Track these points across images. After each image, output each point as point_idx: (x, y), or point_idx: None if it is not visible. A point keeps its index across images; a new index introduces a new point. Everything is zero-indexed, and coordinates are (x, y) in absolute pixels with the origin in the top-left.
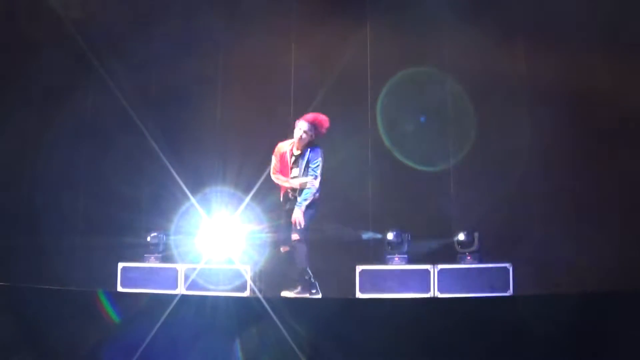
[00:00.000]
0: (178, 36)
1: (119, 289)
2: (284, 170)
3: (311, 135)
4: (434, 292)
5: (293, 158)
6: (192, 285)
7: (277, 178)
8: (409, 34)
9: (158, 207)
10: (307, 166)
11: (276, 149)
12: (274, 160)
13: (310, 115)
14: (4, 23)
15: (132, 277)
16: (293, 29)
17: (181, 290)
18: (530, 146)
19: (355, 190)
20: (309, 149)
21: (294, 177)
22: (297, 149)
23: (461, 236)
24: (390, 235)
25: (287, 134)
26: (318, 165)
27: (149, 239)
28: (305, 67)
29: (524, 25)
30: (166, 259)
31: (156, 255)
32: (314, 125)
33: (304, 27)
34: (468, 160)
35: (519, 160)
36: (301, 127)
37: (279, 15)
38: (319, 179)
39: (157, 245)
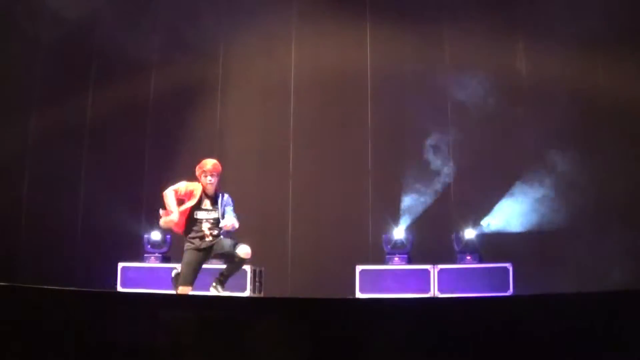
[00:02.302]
0: (178, 36)
1: (119, 289)
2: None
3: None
4: (434, 292)
5: (207, 200)
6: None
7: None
8: (409, 33)
9: (158, 206)
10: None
11: (185, 188)
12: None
13: (211, 166)
14: (4, 23)
15: (132, 277)
16: (293, 29)
17: None
18: (530, 145)
19: (355, 190)
20: (221, 193)
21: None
22: (209, 193)
23: (470, 233)
24: (399, 234)
25: (287, 133)
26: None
27: (149, 238)
28: (305, 67)
29: (525, 25)
30: (166, 258)
31: (156, 255)
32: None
33: (304, 27)
34: (468, 160)
35: (520, 160)
36: (213, 179)
37: (279, 15)
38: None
39: (157, 244)
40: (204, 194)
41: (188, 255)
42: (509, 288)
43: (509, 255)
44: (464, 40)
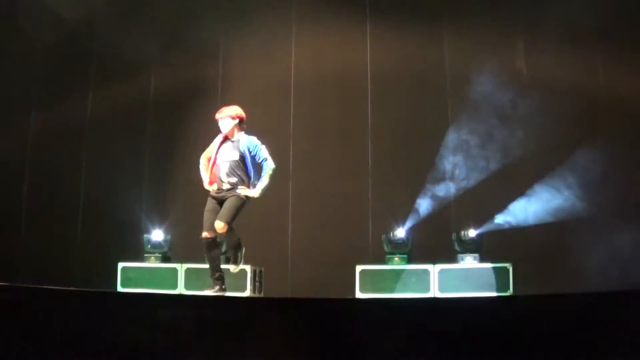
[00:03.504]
0: (178, 36)
1: (119, 289)
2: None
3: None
4: (434, 292)
5: (224, 144)
6: (192, 285)
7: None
8: (409, 33)
9: (158, 206)
10: (248, 152)
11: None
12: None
13: (234, 112)
14: (4, 23)
15: (132, 277)
16: (293, 29)
17: (181, 290)
18: (532, 145)
19: (355, 190)
20: (243, 135)
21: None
22: (229, 136)
23: (472, 232)
24: (401, 232)
25: (287, 133)
26: (261, 149)
27: (149, 238)
28: (305, 67)
29: (525, 25)
30: (166, 258)
31: (156, 255)
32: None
33: (304, 27)
34: (469, 159)
35: (519, 159)
36: (230, 123)
37: (279, 15)
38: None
39: (157, 244)
40: (225, 140)
41: (207, 202)
42: (509, 288)
43: (509, 255)
44: (464, 40)
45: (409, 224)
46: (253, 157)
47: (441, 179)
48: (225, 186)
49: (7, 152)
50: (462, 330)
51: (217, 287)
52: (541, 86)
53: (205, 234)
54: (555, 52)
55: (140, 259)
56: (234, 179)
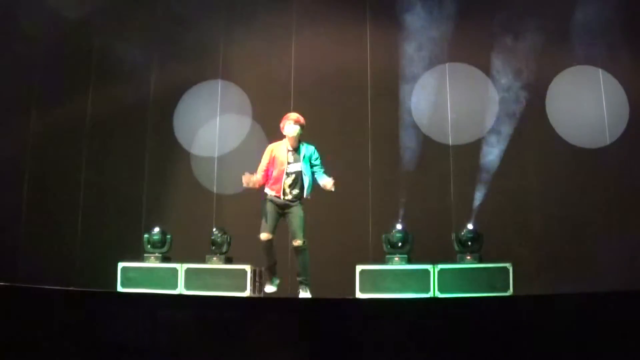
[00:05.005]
0: (178, 36)
1: (119, 289)
2: (277, 166)
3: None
4: (434, 292)
5: (289, 153)
6: (192, 285)
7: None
8: (408, 33)
9: (158, 206)
10: (309, 159)
11: (269, 149)
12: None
13: (296, 116)
14: (4, 23)
15: (132, 277)
16: (293, 29)
17: (181, 290)
18: (530, 145)
19: (355, 190)
20: (304, 145)
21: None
22: (292, 145)
23: (470, 227)
24: (398, 227)
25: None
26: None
27: (149, 238)
28: (305, 67)
29: (524, 24)
30: (166, 258)
31: (156, 255)
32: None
33: (304, 27)
34: (469, 159)
35: (519, 159)
36: (295, 127)
37: (278, 15)
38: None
39: (158, 243)
40: (287, 147)
41: (265, 206)
42: (509, 288)
43: (509, 255)
44: (464, 40)
45: (408, 224)
46: (312, 164)
47: (441, 178)
48: (289, 197)
49: (7, 152)
50: (462, 330)
51: (275, 287)
52: (541, 86)
53: (265, 236)
54: (555, 52)
55: (140, 259)
56: (297, 191)
